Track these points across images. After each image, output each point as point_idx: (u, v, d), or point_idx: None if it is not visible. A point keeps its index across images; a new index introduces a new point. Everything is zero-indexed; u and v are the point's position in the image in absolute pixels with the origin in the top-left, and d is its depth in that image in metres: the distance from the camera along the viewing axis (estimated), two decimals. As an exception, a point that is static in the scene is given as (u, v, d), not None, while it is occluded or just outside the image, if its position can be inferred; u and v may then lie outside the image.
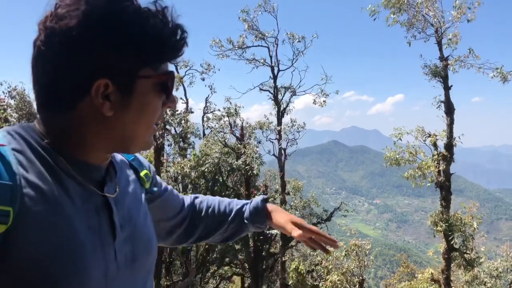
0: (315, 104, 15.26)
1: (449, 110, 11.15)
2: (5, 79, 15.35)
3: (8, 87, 13.26)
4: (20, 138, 0.72)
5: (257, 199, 1.28)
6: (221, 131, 14.42)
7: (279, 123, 14.68)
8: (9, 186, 0.64)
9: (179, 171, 12.37)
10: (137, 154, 1.02)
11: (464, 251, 10.95)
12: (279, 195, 14.26)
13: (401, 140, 11.42)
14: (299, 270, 12.77)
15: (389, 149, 11.65)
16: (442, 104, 11.24)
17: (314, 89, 15.44)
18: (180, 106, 15.47)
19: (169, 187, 1.18)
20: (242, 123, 14.42)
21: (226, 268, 16.67)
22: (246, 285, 16.61)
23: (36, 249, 0.65)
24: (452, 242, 10.90)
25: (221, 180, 13.62)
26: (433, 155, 11.07)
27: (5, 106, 12.47)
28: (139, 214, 0.91)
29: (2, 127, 0.78)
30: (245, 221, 1.26)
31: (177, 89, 14.73)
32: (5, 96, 13.02)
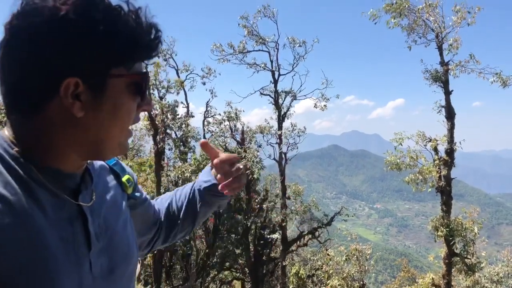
0: (316, 108, 15.31)
1: (450, 115, 11.17)
2: None
3: None
4: None
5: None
6: (221, 135, 14.47)
7: (280, 127, 14.72)
8: None
9: (180, 175, 12.37)
10: (118, 159, 0.98)
11: (465, 256, 10.94)
12: (280, 199, 14.25)
13: (401, 145, 11.44)
14: (299, 274, 12.75)
15: (389, 154, 11.66)
16: (443, 109, 11.26)
17: (314, 94, 15.53)
18: (181, 110, 15.47)
19: (148, 197, 1.13)
20: (243, 127, 14.46)
21: (226, 272, 16.65)
22: (246, 289, 16.56)
23: (2, 267, 0.60)
24: (453, 247, 10.90)
25: (221, 184, 13.58)
26: (434, 160, 11.08)
27: None
28: (118, 222, 0.87)
29: None
30: (197, 194, 1.18)
31: (178, 93, 14.76)
32: None
